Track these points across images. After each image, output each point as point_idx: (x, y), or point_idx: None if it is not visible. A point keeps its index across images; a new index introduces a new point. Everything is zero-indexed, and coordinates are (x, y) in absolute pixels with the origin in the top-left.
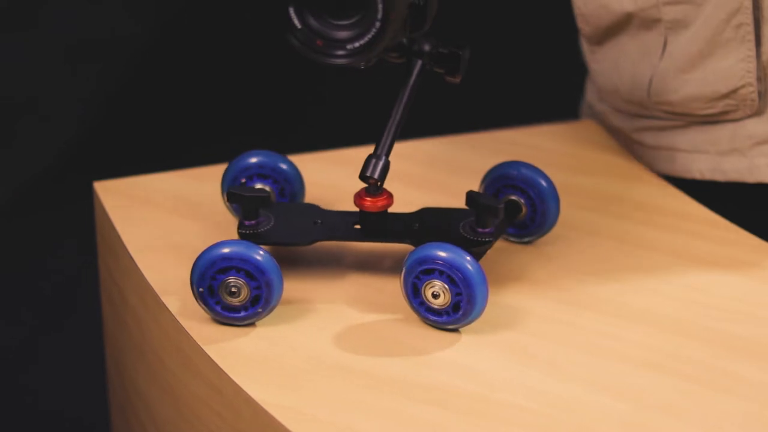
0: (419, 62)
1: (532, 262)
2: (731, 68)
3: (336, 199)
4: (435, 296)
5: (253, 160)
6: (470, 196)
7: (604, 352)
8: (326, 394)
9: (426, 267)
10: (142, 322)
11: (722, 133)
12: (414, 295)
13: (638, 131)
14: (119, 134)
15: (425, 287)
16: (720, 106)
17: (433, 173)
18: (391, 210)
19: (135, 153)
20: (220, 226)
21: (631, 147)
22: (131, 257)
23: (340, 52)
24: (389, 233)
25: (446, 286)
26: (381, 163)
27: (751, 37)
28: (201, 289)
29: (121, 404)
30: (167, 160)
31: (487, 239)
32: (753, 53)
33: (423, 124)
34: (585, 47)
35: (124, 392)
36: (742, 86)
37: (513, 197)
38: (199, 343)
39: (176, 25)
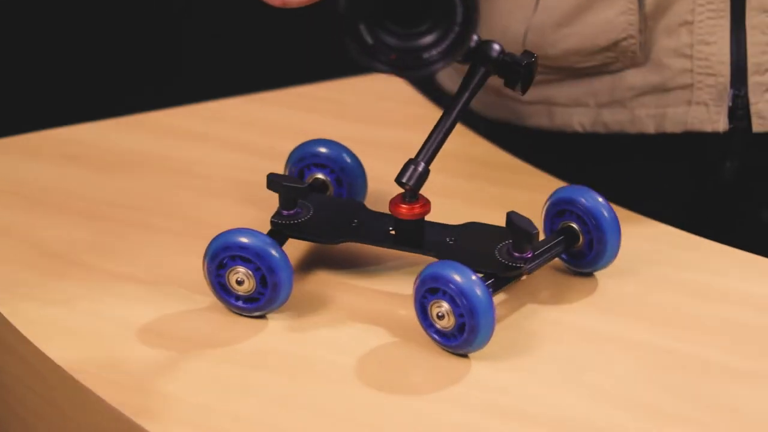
0: (482, 69)
1: None
2: (612, 21)
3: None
4: (440, 317)
5: (313, 149)
6: (509, 217)
7: None
8: (138, 359)
9: (431, 286)
10: None
11: (601, 85)
12: (422, 312)
13: None
14: None
15: (432, 306)
16: (599, 59)
17: (245, 134)
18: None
19: None
20: (43, 202)
21: (503, 102)
22: None
23: (424, 60)
24: (422, 243)
25: (451, 308)
26: (419, 170)
27: None
28: (210, 268)
29: None
30: None
31: (518, 265)
32: (635, 6)
33: (223, 85)
34: None
35: None
36: (624, 39)
37: (571, 224)
38: (5, 315)
39: None
